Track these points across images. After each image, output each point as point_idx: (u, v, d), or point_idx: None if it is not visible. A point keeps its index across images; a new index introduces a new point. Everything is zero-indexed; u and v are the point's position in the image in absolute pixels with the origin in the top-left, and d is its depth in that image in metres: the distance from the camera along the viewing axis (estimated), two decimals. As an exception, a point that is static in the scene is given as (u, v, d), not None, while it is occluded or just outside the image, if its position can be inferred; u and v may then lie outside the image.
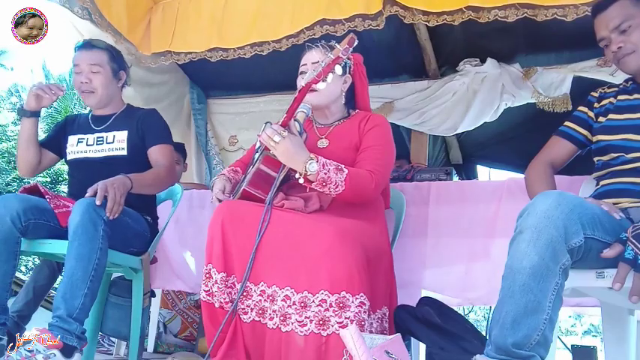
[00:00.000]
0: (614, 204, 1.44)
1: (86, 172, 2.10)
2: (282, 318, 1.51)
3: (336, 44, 1.65)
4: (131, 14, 2.87)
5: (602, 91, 1.68)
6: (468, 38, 3.05)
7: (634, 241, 1.21)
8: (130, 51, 2.87)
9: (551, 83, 3.09)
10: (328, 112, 1.92)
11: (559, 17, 2.15)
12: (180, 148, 3.24)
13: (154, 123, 2.18)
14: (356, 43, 1.61)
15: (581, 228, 1.17)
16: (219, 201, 1.77)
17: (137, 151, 2.11)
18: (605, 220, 1.26)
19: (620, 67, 1.60)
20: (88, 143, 2.14)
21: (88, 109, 2.30)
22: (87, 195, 1.79)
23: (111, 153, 2.11)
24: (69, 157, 2.17)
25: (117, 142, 2.11)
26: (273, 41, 2.62)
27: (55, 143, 2.22)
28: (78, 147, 2.15)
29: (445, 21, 2.30)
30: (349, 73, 1.92)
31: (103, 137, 2.14)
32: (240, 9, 2.73)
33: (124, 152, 2.10)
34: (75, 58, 2.15)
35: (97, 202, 1.75)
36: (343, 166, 1.64)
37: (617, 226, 1.29)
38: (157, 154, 2.11)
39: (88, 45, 2.17)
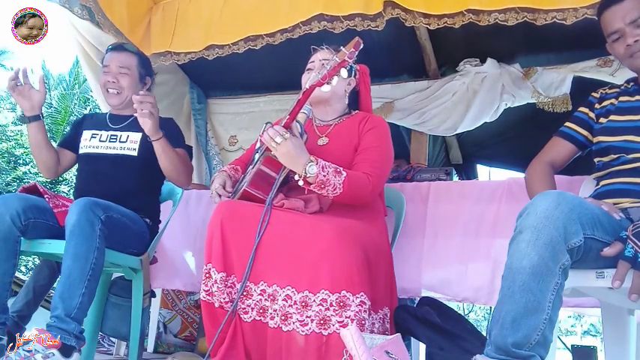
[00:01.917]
0: (614, 204, 1.44)
1: (94, 167, 2.12)
2: (283, 317, 1.51)
3: (342, 47, 1.64)
4: (132, 14, 2.88)
5: (604, 92, 1.67)
6: (467, 38, 3.05)
7: (634, 239, 1.21)
8: (131, 50, 2.87)
9: (551, 83, 3.08)
10: (329, 108, 1.93)
11: (559, 21, 2.16)
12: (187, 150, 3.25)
13: (172, 129, 2.20)
14: (361, 47, 1.61)
15: (580, 228, 1.17)
16: (219, 196, 1.78)
17: (148, 154, 2.11)
18: (604, 220, 1.26)
19: (633, 61, 1.56)
20: (102, 139, 2.17)
21: (107, 109, 2.34)
22: (140, 92, 1.91)
23: (122, 152, 2.13)
24: (81, 151, 2.19)
25: (129, 143, 2.14)
26: (266, 35, 2.60)
27: (72, 142, 2.24)
28: (91, 142, 2.18)
29: (446, 24, 2.31)
30: (354, 77, 1.93)
31: (116, 135, 2.17)
32: (238, 7, 2.73)
33: (135, 153, 2.12)
34: (105, 59, 2.22)
35: (135, 97, 1.87)
36: (342, 168, 1.65)
37: (617, 226, 1.29)
38: None
39: (119, 47, 2.25)
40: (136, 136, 2.14)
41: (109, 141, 2.16)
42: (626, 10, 1.52)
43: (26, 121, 2.10)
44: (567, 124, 1.71)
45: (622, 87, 1.65)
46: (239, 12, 2.71)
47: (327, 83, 1.64)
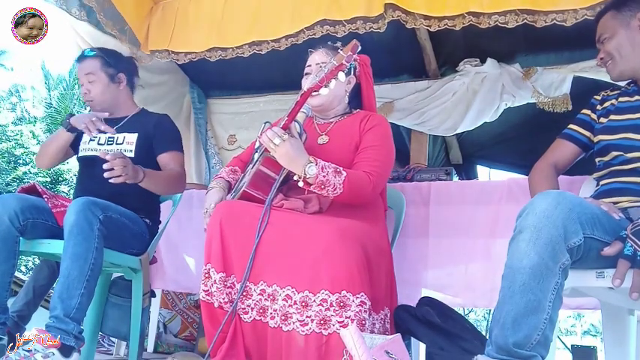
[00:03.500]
0: (614, 203, 1.45)
1: (94, 169, 2.12)
2: (283, 317, 1.51)
3: (340, 49, 1.64)
4: (138, 14, 2.88)
5: (605, 94, 1.70)
6: (468, 38, 3.05)
7: (633, 238, 1.22)
8: (132, 51, 2.87)
9: (551, 83, 3.09)
10: (331, 112, 1.93)
11: (558, 22, 2.18)
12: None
13: (166, 129, 2.21)
14: (359, 49, 1.61)
15: (580, 227, 1.17)
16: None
17: (145, 154, 2.13)
18: (604, 220, 1.26)
19: (609, 75, 1.67)
20: (100, 142, 2.19)
21: None
22: (108, 157, 1.81)
23: None
24: (80, 154, 2.21)
25: (126, 144, 2.15)
26: (272, 40, 2.62)
27: (74, 139, 2.24)
28: (89, 145, 2.20)
29: (447, 26, 2.33)
30: (354, 74, 1.92)
31: (113, 138, 2.18)
32: (239, 8, 2.73)
33: (132, 154, 2.12)
34: (77, 73, 2.23)
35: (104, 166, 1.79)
36: (342, 168, 1.64)
37: (617, 225, 1.29)
38: (168, 160, 2.14)
39: (80, 57, 2.25)
40: (132, 137, 2.15)
41: (107, 143, 2.17)
42: (597, 30, 1.67)
43: (71, 130, 2.11)
44: (570, 126, 1.74)
45: (622, 88, 1.68)
46: (241, 14, 2.71)
47: (325, 86, 1.63)
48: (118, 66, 2.25)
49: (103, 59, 2.21)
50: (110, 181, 1.82)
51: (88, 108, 2.30)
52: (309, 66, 1.92)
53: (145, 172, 1.94)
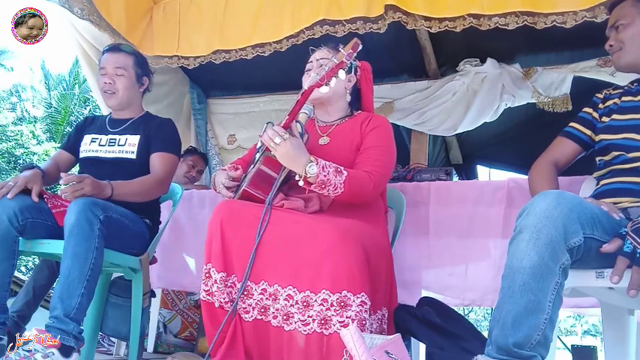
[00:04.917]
0: (614, 204, 1.45)
1: (95, 171, 2.11)
2: (284, 317, 1.51)
3: (341, 48, 1.64)
4: (130, 14, 2.88)
5: (607, 93, 1.69)
6: (468, 38, 3.05)
7: (633, 235, 1.22)
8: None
9: (551, 83, 3.09)
10: (331, 108, 1.92)
11: (558, 24, 2.18)
12: (205, 158, 3.55)
13: (164, 131, 2.20)
14: (360, 48, 1.61)
15: (580, 227, 1.17)
16: (227, 189, 1.78)
17: (146, 156, 2.13)
18: (604, 220, 1.26)
19: (614, 64, 1.64)
20: (101, 143, 2.18)
21: (108, 111, 2.35)
22: (61, 181, 1.81)
23: (121, 155, 2.13)
24: (81, 155, 2.21)
25: (128, 146, 2.14)
26: (274, 42, 2.63)
27: (73, 145, 2.26)
28: (91, 146, 2.19)
29: (447, 27, 2.34)
30: (354, 73, 1.93)
31: (115, 139, 2.17)
32: (240, 9, 2.73)
33: (133, 156, 2.12)
34: (102, 61, 2.22)
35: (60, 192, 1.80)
36: (342, 168, 1.64)
37: (617, 226, 1.29)
38: (156, 161, 2.12)
39: (115, 48, 2.24)
40: (134, 139, 2.15)
41: (109, 145, 2.17)
42: (611, 17, 1.64)
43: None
44: (572, 124, 1.73)
45: (626, 87, 1.66)
46: (242, 16, 2.72)
47: (326, 85, 1.64)
48: (146, 70, 2.28)
49: (137, 59, 2.24)
50: (64, 197, 1.82)
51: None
52: (311, 62, 1.94)
53: (113, 187, 1.92)
